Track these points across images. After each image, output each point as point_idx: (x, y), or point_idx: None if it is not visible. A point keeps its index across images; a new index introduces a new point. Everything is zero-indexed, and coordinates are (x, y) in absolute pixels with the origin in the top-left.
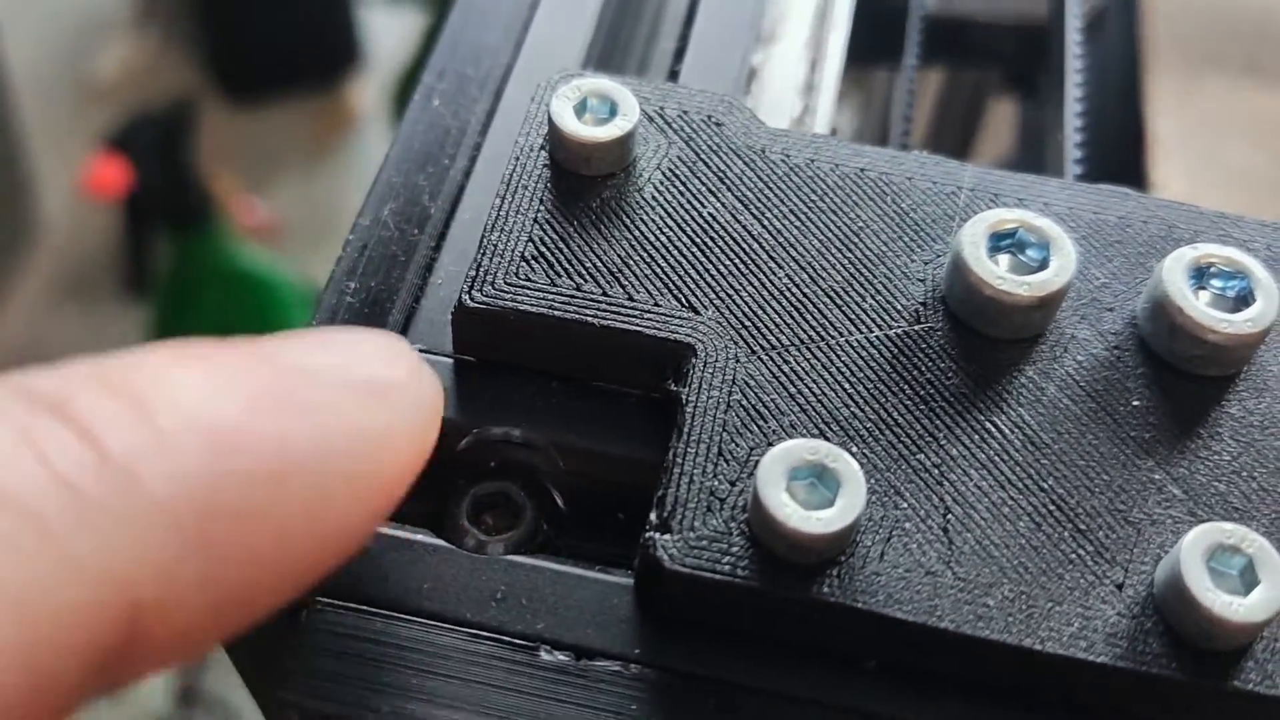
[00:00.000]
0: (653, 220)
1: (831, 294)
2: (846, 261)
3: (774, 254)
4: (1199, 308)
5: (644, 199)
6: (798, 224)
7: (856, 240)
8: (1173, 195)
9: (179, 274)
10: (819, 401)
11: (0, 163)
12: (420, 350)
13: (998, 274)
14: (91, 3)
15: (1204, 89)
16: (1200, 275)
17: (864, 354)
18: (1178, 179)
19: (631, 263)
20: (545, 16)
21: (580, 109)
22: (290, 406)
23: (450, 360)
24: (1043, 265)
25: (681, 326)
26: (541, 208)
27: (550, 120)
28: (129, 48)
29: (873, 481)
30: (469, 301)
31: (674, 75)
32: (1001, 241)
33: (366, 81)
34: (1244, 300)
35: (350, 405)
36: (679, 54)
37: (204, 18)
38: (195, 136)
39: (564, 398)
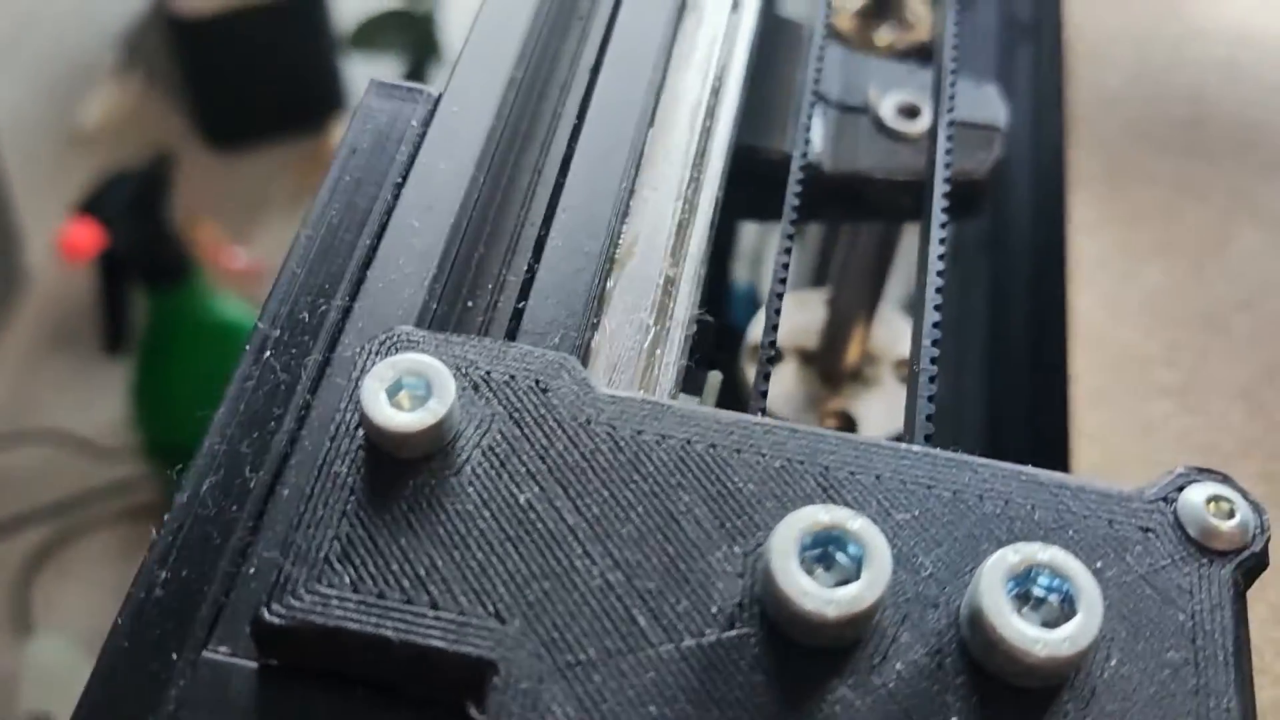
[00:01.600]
0: (467, 512)
1: (645, 595)
2: (664, 554)
3: (589, 549)
4: (1015, 627)
5: (461, 484)
6: (617, 510)
7: (676, 527)
8: (1092, 326)
9: (156, 329)
10: None
11: None
12: (224, 654)
13: (804, 590)
14: (76, 51)
15: (1128, 200)
16: (1023, 578)
17: (673, 668)
18: (1096, 309)
19: (440, 564)
20: (390, 247)
21: (394, 389)
22: None
23: (255, 665)
24: (857, 573)
25: (483, 641)
26: (352, 499)
27: (361, 406)
28: (113, 95)
29: None
30: (266, 616)
31: (518, 314)
32: (818, 541)
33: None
34: (1068, 602)
35: None
36: (525, 288)
37: (187, 65)
38: (172, 192)
39: (368, 709)
